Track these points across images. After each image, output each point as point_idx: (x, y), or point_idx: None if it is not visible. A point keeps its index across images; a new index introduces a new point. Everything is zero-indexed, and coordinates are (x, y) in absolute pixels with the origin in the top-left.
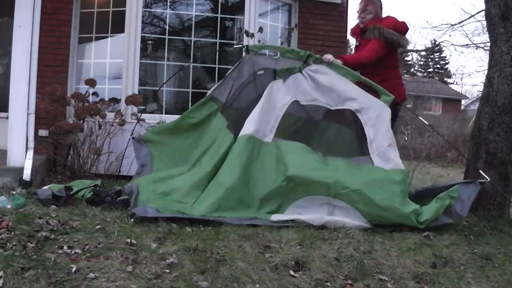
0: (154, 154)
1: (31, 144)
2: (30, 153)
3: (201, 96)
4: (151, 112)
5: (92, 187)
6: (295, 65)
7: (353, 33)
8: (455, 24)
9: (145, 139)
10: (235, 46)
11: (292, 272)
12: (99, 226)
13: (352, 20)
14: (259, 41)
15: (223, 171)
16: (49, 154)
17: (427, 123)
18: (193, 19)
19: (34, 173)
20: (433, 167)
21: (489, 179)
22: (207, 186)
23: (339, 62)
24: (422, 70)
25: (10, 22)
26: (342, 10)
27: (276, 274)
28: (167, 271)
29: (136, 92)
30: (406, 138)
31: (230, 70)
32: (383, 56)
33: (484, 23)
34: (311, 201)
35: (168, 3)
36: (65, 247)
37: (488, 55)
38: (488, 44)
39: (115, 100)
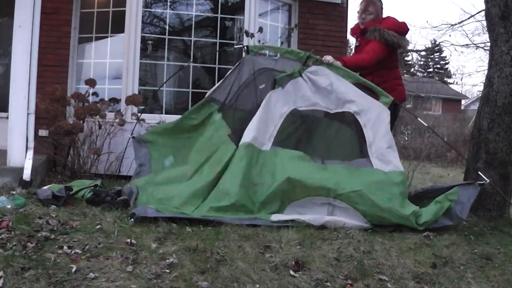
0: (153, 154)
1: (31, 144)
2: (30, 153)
3: (201, 96)
4: (151, 112)
5: (92, 187)
6: (295, 68)
7: (353, 32)
8: (455, 24)
9: (145, 139)
10: (235, 47)
11: (292, 272)
12: (99, 226)
13: (352, 20)
14: (259, 41)
15: (224, 179)
16: (49, 154)
17: (426, 124)
18: (193, 19)
19: (34, 173)
20: (433, 167)
21: (488, 181)
22: (208, 196)
23: (338, 63)
24: (422, 70)
25: (10, 22)
26: (342, 10)
27: (276, 274)
28: (167, 271)
29: (136, 92)
30: (406, 138)
31: (230, 71)
32: (383, 58)
33: (484, 23)
34: (311, 202)
35: (168, 3)
36: (65, 247)
37: (488, 55)
38: (488, 44)
39: (115, 100)
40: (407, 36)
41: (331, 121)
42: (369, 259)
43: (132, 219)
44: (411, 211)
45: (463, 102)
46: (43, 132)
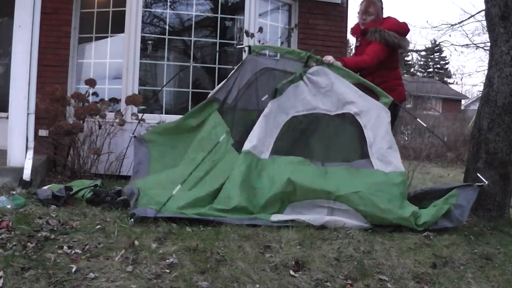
0: (153, 154)
1: (31, 144)
2: (30, 153)
3: (201, 96)
4: (151, 112)
5: (92, 187)
6: (296, 72)
7: (354, 32)
8: (455, 24)
9: (146, 139)
10: (238, 46)
11: (292, 272)
12: (99, 226)
13: (352, 20)
14: (259, 41)
15: (225, 185)
16: (49, 154)
17: (424, 125)
18: (193, 19)
19: (34, 173)
20: (433, 167)
21: (487, 182)
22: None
23: (339, 64)
24: (422, 70)
25: (10, 22)
26: (342, 10)
27: (276, 274)
28: (167, 271)
29: (136, 92)
30: (406, 138)
31: (232, 71)
32: (384, 58)
33: (484, 23)
34: (311, 204)
35: (168, 3)
36: (65, 247)
37: (488, 55)
38: (488, 44)
39: (115, 100)
40: (408, 37)
41: (331, 122)
42: (369, 259)
43: (132, 219)
44: (411, 211)
45: (463, 102)
46: (43, 132)
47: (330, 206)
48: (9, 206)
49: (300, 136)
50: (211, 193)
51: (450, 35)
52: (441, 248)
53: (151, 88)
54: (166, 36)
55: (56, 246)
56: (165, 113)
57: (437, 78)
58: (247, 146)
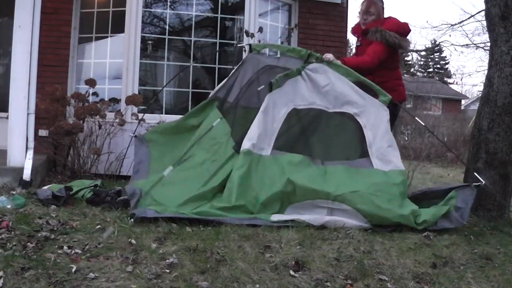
0: (153, 154)
1: (31, 144)
2: (30, 153)
3: (201, 96)
4: (151, 112)
5: (92, 187)
6: (294, 68)
7: (354, 32)
8: (455, 24)
9: (146, 138)
10: (238, 45)
11: (292, 272)
12: (99, 226)
13: (352, 19)
14: (259, 41)
15: (226, 185)
16: (49, 154)
17: (423, 124)
18: (193, 19)
19: (34, 173)
20: (433, 167)
21: (484, 182)
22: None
23: (338, 62)
24: (422, 70)
25: (10, 22)
26: (342, 10)
27: (276, 274)
28: (167, 271)
29: (136, 92)
30: (406, 138)
31: (233, 70)
32: (384, 59)
33: (484, 23)
34: (311, 204)
35: (168, 3)
36: (65, 247)
37: (488, 55)
38: (488, 44)
39: (115, 100)
40: (408, 37)
41: (332, 120)
42: (369, 259)
43: (132, 219)
44: (410, 210)
45: (463, 102)
46: (43, 132)
47: (330, 206)
48: (9, 206)
49: (301, 134)
50: (211, 190)
51: (450, 35)
52: (441, 248)
53: (151, 88)
54: (166, 36)
55: (56, 246)
56: (165, 113)
57: (437, 78)
58: (246, 145)
